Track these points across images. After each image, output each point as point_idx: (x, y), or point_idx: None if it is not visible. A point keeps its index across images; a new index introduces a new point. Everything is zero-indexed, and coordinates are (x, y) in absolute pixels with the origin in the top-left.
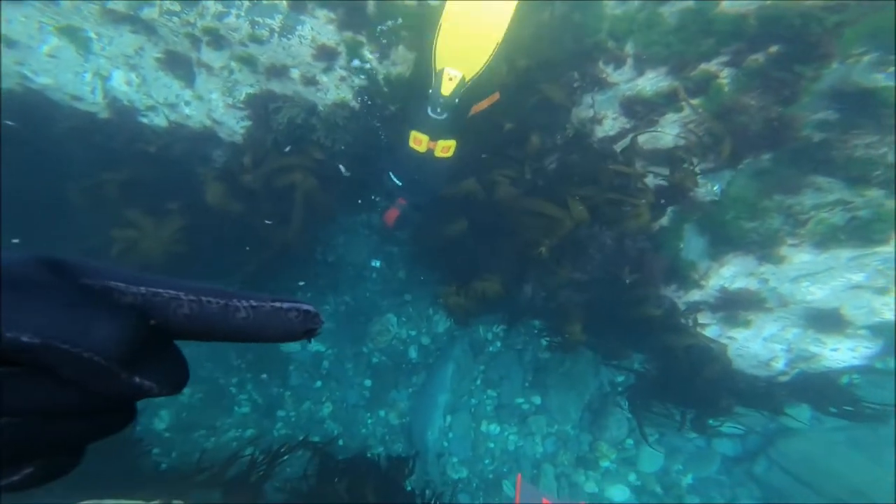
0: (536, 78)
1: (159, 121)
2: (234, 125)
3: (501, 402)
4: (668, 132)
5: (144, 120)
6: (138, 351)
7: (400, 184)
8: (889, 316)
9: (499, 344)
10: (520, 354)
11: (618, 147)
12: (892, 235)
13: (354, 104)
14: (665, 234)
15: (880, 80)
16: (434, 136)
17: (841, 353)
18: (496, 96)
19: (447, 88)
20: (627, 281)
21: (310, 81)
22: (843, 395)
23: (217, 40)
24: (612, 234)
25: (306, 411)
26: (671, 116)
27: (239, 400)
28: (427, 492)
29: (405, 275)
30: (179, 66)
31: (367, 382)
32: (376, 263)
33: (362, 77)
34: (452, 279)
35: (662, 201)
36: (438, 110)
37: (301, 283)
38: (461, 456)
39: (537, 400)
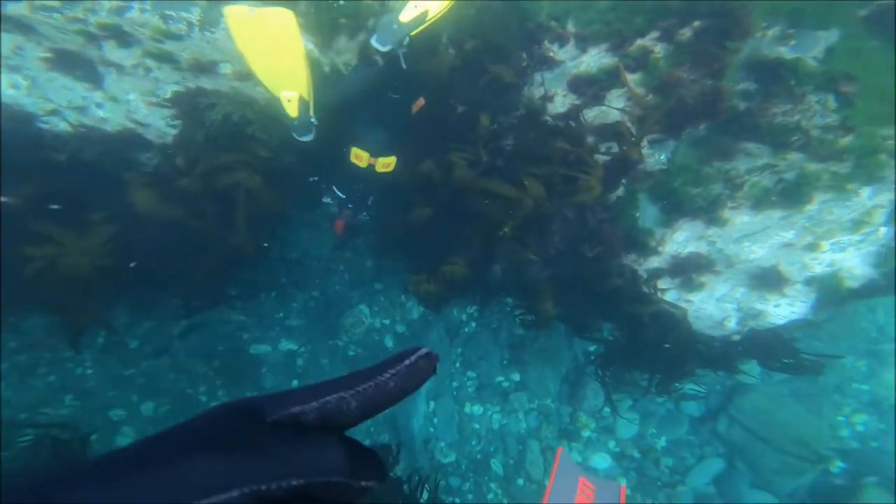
0: (485, 59)
1: (65, 126)
2: (163, 126)
3: (482, 382)
4: (614, 107)
5: (45, 125)
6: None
7: (343, 196)
8: (818, 270)
9: (474, 325)
10: (495, 333)
11: (569, 123)
12: (815, 195)
13: None
14: (622, 205)
15: (784, 52)
16: (374, 153)
17: (782, 309)
18: (421, 102)
19: (292, 110)
20: (590, 255)
21: (246, 76)
22: (785, 349)
23: (121, 37)
24: (572, 208)
25: None
26: (616, 91)
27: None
28: (415, 477)
29: (373, 264)
30: (77, 66)
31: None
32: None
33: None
34: (420, 266)
35: (614, 174)
36: (302, 132)
37: (272, 293)
38: (448, 440)
39: (516, 377)
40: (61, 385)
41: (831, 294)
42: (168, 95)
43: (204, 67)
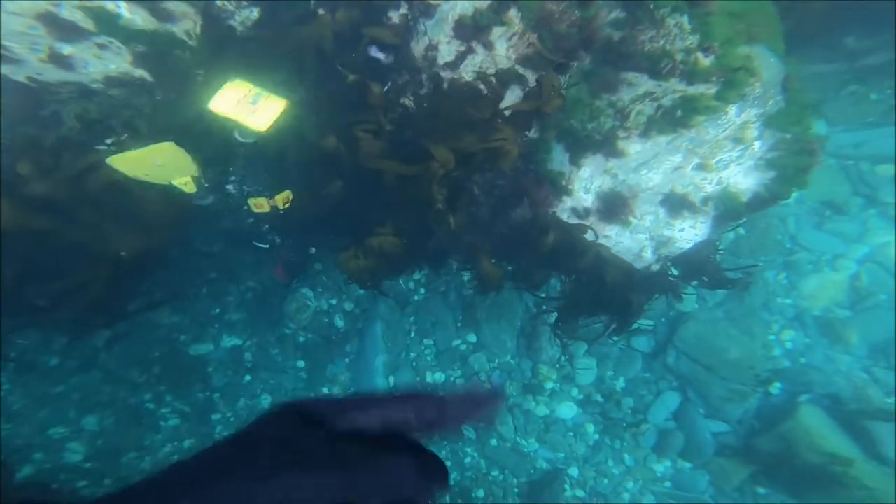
0: (363, 23)
1: None
2: None
3: (439, 348)
4: (502, 55)
5: None
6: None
7: (266, 246)
8: (709, 189)
9: (423, 291)
10: (445, 297)
11: (474, 85)
12: (694, 117)
13: (143, 74)
14: (535, 150)
15: None
16: (270, 194)
17: (686, 233)
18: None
19: (191, 188)
20: (526, 215)
21: (60, 59)
22: (709, 267)
23: None
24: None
25: (244, 408)
26: (498, 31)
27: (162, 414)
28: None
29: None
30: None
31: (301, 363)
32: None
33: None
34: (349, 242)
35: (526, 122)
36: (202, 199)
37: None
38: None
39: (472, 338)
40: None
41: (728, 211)
42: None
43: None
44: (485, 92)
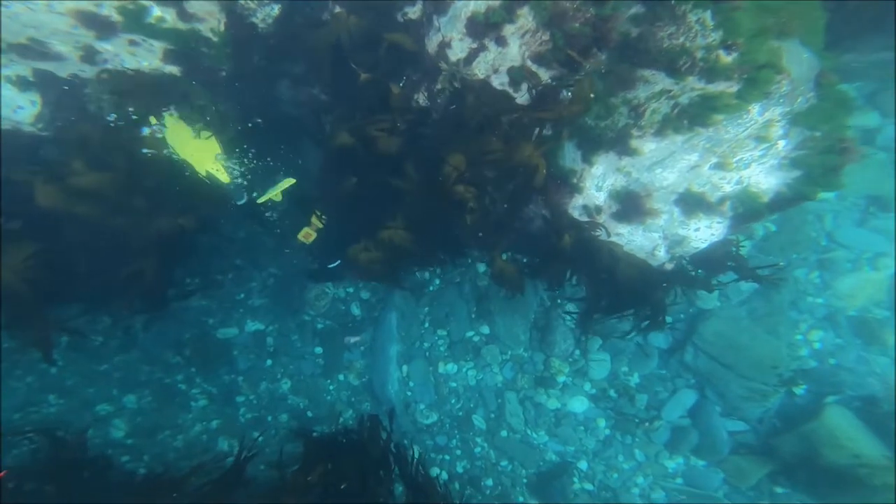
0: (378, 27)
1: None
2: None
3: (452, 339)
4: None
5: None
6: None
7: (339, 262)
8: (728, 188)
9: (437, 282)
10: (459, 288)
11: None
12: (712, 117)
13: (172, 69)
14: (549, 150)
15: None
16: (309, 221)
17: (702, 232)
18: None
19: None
20: (543, 214)
21: (91, 53)
22: (730, 264)
23: None
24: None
25: (266, 391)
26: (510, 28)
27: (192, 395)
28: (408, 453)
29: None
30: None
31: (318, 350)
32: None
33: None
34: (359, 235)
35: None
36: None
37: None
38: (427, 401)
39: (485, 330)
40: (41, 385)
41: (747, 211)
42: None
43: (26, 49)
44: (510, 92)
